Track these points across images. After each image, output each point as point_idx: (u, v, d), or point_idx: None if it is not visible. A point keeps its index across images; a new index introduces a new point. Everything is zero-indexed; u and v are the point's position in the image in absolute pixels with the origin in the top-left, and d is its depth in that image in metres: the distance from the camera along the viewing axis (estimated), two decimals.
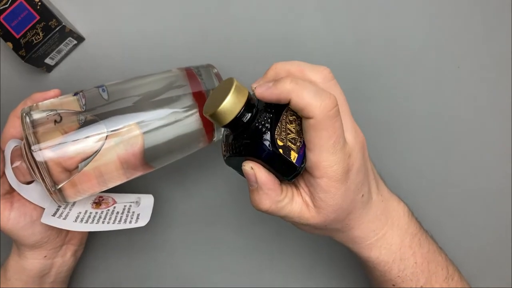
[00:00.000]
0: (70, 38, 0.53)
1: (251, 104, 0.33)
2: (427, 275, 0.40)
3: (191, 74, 0.41)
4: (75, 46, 0.54)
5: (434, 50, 0.53)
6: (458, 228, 0.46)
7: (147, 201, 0.47)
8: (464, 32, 0.53)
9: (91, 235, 0.52)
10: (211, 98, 0.33)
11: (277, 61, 0.37)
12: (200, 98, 0.40)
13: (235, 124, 0.32)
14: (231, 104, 0.31)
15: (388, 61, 0.53)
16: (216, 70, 0.42)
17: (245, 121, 0.32)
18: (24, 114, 0.39)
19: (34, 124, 0.39)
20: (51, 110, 0.39)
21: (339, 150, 0.33)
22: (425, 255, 0.41)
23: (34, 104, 0.41)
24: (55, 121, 0.39)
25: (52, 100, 0.42)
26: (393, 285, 0.40)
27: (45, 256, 0.45)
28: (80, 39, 0.54)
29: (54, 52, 0.52)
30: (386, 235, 0.39)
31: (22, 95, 0.47)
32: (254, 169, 0.33)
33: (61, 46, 0.52)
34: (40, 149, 0.38)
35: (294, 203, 0.35)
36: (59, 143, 0.38)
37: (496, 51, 0.53)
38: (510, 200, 0.51)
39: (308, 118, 0.32)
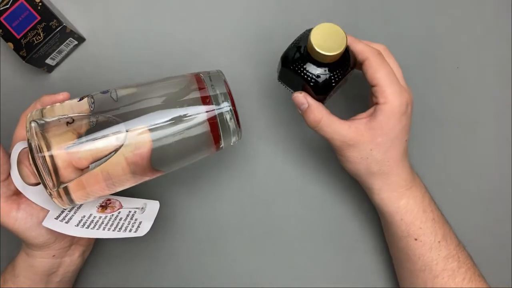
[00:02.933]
0: (71, 38, 0.53)
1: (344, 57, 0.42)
2: (443, 233, 0.45)
3: (200, 80, 0.41)
4: (76, 46, 0.54)
5: (434, 50, 0.54)
6: (458, 228, 0.46)
7: (152, 207, 0.47)
8: (464, 32, 0.54)
9: None
10: (319, 35, 0.40)
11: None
12: (208, 104, 0.40)
13: (330, 65, 0.42)
14: (338, 54, 0.41)
15: None
16: (224, 77, 0.43)
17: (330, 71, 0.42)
18: (31, 119, 0.39)
19: (46, 126, 0.39)
20: (62, 115, 0.39)
21: (398, 86, 0.42)
22: (440, 217, 0.46)
23: (45, 108, 0.41)
24: (68, 123, 0.39)
25: (61, 103, 0.42)
26: (416, 239, 0.44)
27: (53, 256, 0.45)
28: (80, 39, 0.54)
29: (55, 53, 0.52)
30: (412, 188, 0.45)
31: (23, 95, 0.47)
32: (303, 94, 0.43)
33: (62, 46, 0.52)
34: (52, 151, 0.38)
35: (343, 122, 0.43)
36: (73, 144, 0.38)
37: (496, 51, 0.53)
38: (510, 200, 0.52)
39: (363, 61, 0.43)
